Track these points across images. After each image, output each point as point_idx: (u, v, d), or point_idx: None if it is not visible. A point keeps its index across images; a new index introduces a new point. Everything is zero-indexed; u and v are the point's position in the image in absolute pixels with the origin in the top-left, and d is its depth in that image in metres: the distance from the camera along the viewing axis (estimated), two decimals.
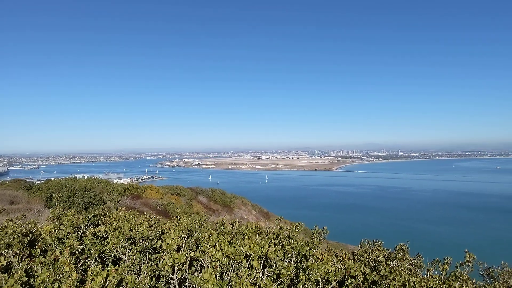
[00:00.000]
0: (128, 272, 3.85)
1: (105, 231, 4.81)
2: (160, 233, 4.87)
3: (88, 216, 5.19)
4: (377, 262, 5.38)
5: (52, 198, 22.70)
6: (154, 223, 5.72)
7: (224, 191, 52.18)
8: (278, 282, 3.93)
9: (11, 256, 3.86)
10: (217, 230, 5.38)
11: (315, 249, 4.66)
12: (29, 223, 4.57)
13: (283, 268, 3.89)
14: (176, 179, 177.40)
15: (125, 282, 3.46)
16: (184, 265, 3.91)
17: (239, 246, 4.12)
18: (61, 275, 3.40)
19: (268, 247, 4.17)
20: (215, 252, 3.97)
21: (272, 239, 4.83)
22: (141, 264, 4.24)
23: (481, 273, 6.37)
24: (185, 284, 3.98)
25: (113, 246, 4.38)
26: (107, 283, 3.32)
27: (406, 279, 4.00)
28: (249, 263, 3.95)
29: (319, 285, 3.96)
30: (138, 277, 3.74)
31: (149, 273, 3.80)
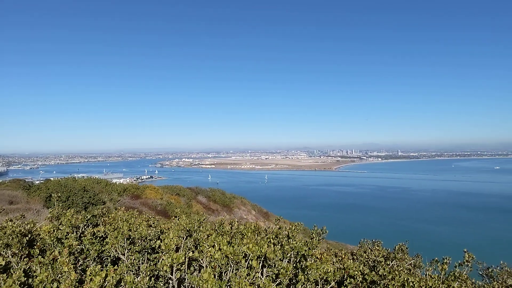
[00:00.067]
0: (127, 272, 3.84)
1: (104, 231, 4.80)
2: (159, 233, 4.87)
3: (87, 216, 5.18)
4: (376, 262, 5.39)
5: (51, 198, 22.67)
6: (153, 223, 5.71)
7: (224, 191, 52.18)
8: (277, 282, 3.93)
9: (10, 256, 3.86)
10: (216, 230, 5.38)
11: (314, 249, 4.66)
12: (28, 223, 4.57)
13: (282, 268, 3.89)
14: (175, 179, 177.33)
15: (123, 282, 3.45)
16: (183, 265, 3.90)
17: (238, 246, 4.12)
18: (59, 275, 3.39)
19: (267, 247, 4.17)
20: (214, 252, 3.96)
21: (271, 239, 4.82)
22: (140, 264, 4.24)
23: (480, 273, 6.38)
24: (184, 284, 3.97)
25: (112, 246, 4.38)
26: (106, 283, 3.31)
27: (405, 279, 4.00)
28: (248, 263, 3.94)
29: (318, 285, 3.96)
30: (137, 277, 3.73)
31: (148, 273, 3.79)
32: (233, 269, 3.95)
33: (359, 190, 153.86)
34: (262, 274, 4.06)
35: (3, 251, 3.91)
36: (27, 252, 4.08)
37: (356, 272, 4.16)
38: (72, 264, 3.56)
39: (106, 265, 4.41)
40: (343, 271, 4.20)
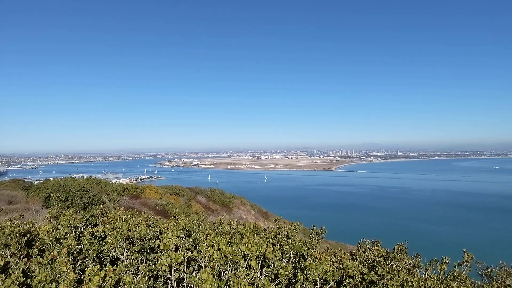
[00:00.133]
0: (126, 272, 3.84)
1: (103, 231, 4.80)
2: (158, 233, 4.87)
3: (86, 216, 5.17)
4: (375, 261, 5.38)
5: (50, 198, 22.65)
6: (153, 223, 5.71)
7: (223, 191, 52.19)
8: (276, 282, 3.93)
9: (9, 256, 3.85)
10: (215, 230, 5.37)
11: (313, 249, 4.65)
12: (27, 223, 4.56)
13: (281, 268, 3.89)
14: (175, 179, 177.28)
15: (122, 282, 3.45)
16: (182, 265, 3.90)
17: (237, 246, 4.11)
18: (58, 275, 3.39)
19: (266, 247, 4.16)
20: (213, 252, 3.96)
21: (270, 239, 4.82)
22: (139, 264, 4.23)
23: (480, 272, 6.37)
24: (183, 284, 3.97)
25: (111, 246, 4.37)
26: (105, 283, 3.31)
27: (404, 278, 4.00)
28: (247, 263, 3.94)
29: (317, 285, 3.96)
30: (136, 277, 3.73)
31: (147, 273, 3.79)
32: (232, 269, 3.94)
33: (359, 190, 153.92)
34: (261, 274, 4.06)
35: (2, 251, 3.90)
36: (25, 252, 4.08)
37: (355, 272, 4.16)
38: (71, 264, 3.55)
39: (105, 265, 4.41)
40: (342, 271, 4.20)
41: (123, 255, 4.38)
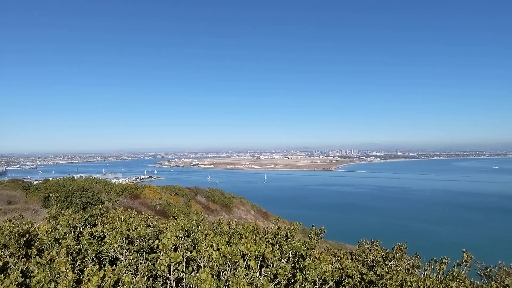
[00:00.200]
0: (125, 272, 3.83)
1: (102, 231, 4.79)
2: (157, 232, 4.86)
3: (85, 216, 5.17)
4: (374, 261, 5.39)
5: (49, 198, 22.63)
6: (152, 223, 5.70)
7: (223, 191, 52.17)
8: (275, 282, 3.93)
9: (7, 257, 3.85)
10: (214, 230, 5.37)
11: (313, 249, 4.65)
12: (26, 223, 4.55)
13: (280, 268, 3.89)
14: (174, 179, 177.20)
15: (121, 282, 3.44)
16: (181, 265, 3.90)
17: (236, 246, 4.11)
18: (57, 275, 3.38)
19: (266, 247, 4.16)
20: (212, 252, 3.96)
21: (270, 239, 4.82)
22: (138, 264, 4.23)
23: (479, 272, 6.37)
24: (182, 284, 3.97)
25: (110, 246, 4.37)
26: (104, 283, 3.30)
27: (403, 278, 4.00)
28: (246, 263, 3.94)
29: (316, 285, 3.96)
30: (135, 277, 3.73)
31: (146, 273, 3.79)
32: (231, 269, 3.94)
33: (358, 190, 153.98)
34: (260, 274, 4.06)
35: (1, 252, 3.90)
36: (24, 253, 4.07)
37: (354, 272, 4.16)
38: (69, 264, 3.55)
39: (104, 265, 4.40)
40: (341, 271, 4.20)
41: (122, 255, 4.37)
